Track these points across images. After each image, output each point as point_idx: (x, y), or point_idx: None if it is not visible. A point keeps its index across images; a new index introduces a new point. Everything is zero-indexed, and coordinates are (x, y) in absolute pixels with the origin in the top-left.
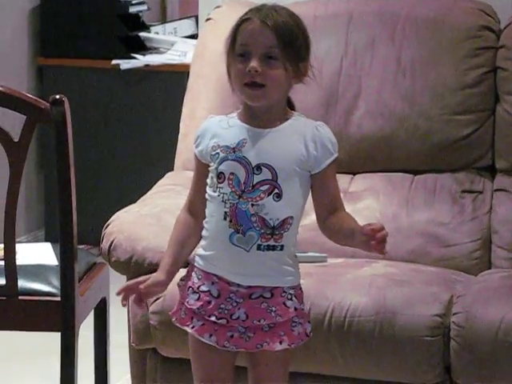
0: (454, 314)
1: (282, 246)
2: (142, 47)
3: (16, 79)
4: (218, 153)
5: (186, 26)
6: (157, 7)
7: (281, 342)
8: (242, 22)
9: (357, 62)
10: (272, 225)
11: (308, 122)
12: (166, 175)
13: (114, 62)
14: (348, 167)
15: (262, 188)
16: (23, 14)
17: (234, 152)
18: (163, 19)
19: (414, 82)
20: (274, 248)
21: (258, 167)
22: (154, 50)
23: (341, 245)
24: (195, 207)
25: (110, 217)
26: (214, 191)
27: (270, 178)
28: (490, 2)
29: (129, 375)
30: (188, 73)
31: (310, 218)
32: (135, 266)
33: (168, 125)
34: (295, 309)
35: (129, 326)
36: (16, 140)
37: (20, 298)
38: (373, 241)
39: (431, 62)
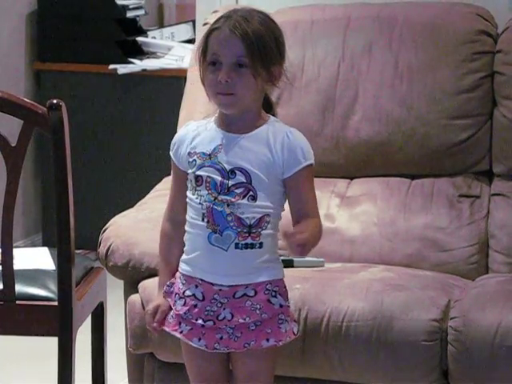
0: (451, 319)
1: (261, 244)
2: (140, 52)
3: (13, 84)
4: (195, 160)
5: (183, 30)
6: (154, 12)
7: (268, 340)
8: (211, 31)
9: (354, 66)
10: (248, 223)
11: (281, 127)
12: (164, 180)
13: (111, 66)
14: (345, 172)
15: (236, 191)
16: (20, 19)
17: (210, 158)
18: (160, 24)
19: (412, 86)
20: (252, 246)
21: (233, 171)
22: (152, 55)
23: None
24: (176, 214)
25: (108, 221)
26: (193, 194)
27: (245, 181)
28: (488, 7)
29: (126, 380)
30: (185, 77)
31: None
32: (132, 271)
33: (165, 129)
34: (280, 306)
35: (126, 331)
36: (13, 145)
37: (17, 302)
38: (292, 244)
39: (428, 66)
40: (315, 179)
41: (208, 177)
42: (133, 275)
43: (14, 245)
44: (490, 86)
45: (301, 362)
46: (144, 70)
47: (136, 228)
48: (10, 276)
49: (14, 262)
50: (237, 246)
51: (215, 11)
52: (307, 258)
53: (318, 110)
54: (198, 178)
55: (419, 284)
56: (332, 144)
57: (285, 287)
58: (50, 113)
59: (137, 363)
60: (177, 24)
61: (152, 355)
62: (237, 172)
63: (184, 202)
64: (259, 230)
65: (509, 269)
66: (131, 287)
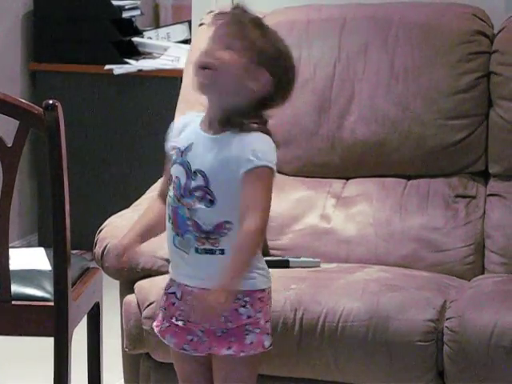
0: (447, 319)
1: (223, 250)
2: (135, 52)
3: (9, 84)
4: (173, 154)
5: (179, 31)
6: (150, 12)
7: (229, 348)
8: (216, 15)
9: (350, 67)
10: (205, 229)
11: (252, 132)
12: (159, 180)
13: (107, 67)
14: (341, 172)
15: (196, 194)
16: (16, 19)
17: (182, 156)
18: (156, 24)
19: (407, 86)
20: (212, 252)
21: (195, 173)
22: (147, 55)
23: None
24: (164, 194)
25: (103, 222)
26: (168, 193)
27: (203, 184)
28: (484, 7)
29: (122, 380)
30: (181, 78)
31: (304, 223)
32: (128, 271)
33: (161, 130)
34: (248, 317)
35: (122, 331)
36: (9, 145)
37: (13, 302)
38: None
39: (424, 66)
40: (311, 179)
41: (176, 177)
42: (128, 275)
43: (10, 245)
44: (486, 87)
45: (296, 362)
46: (140, 71)
47: None
48: (6, 276)
49: (10, 262)
50: (196, 250)
51: (211, 11)
52: (303, 259)
53: (314, 111)
54: (171, 177)
55: (415, 284)
56: (328, 144)
57: (260, 299)
58: (45, 113)
59: (133, 363)
60: (173, 24)
61: (148, 355)
62: (198, 174)
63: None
64: (217, 236)
65: (505, 269)
66: (127, 288)
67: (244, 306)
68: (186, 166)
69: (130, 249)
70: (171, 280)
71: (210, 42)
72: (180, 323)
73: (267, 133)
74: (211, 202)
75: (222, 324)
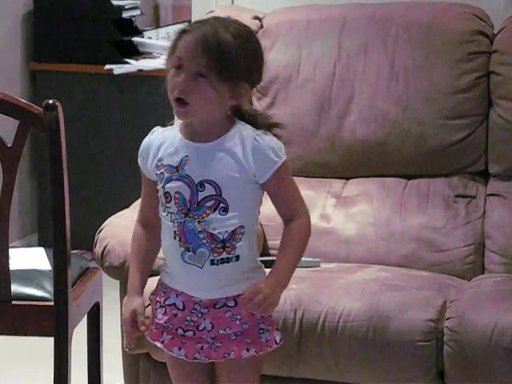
0: (447, 319)
1: (238, 257)
2: (135, 52)
3: (9, 84)
4: (162, 172)
5: None
6: (150, 12)
7: (248, 350)
8: (182, 32)
9: (350, 66)
10: (222, 238)
11: (248, 133)
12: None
13: (107, 66)
14: (341, 172)
15: (207, 204)
16: (16, 19)
17: (178, 171)
18: (156, 24)
19: (407, 86)
20: (228, 260)
21: (201, 184)
22: (148, 55)
23: None
24: (147, 219)
25: (103, 222)
26: (164, 211)
27: (214, 193)
28: (484, 7)
29: (122, 380)
30: None
31: None
32: (128, 271)
33: None
34: (262, 316)
35: (122, 331)
36: (9, 145)
37: (13, 302)
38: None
39: (424, 66)
40: (311, 179)
41: (176, 192)
42: (128, 275)
43: (10, 245)
44: (486, 86)
45: (296, 362)
46: (140, 71)
47: (132, 228)
48: (6, 276)
49: (10, 262)
50: (212, 262)
51: (211, 11)
52: (303, 259)
53: (314, 110)
54: (166, 195)
55: (415, 284)
56: (328, 144)
57: None
58: (45, 113)
59: (132, 363)
60: (173, 24)
61: (148, 355)
62: (206, 185)
63: (154, 207)
64: (233, 243)
65: (505, 269)
66: (127, 287)
67: None
68: (186, 179)
69: (140, 311)
70: (168, 291)
71: (185, 67)
72: (189, 333)
73: (264, 123)
74: (225, 210)
75: (238, 327)
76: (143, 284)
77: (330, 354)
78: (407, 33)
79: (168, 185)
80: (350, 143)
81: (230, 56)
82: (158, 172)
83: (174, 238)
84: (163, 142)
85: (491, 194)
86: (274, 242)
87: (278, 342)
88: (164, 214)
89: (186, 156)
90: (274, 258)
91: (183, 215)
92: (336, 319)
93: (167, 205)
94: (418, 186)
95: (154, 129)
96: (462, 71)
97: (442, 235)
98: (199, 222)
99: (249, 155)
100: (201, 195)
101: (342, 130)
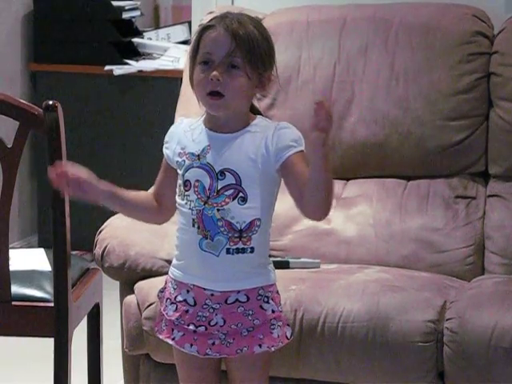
0: (447, 320)
1: (253, 249)
2: (135, 53)
3: (9, 85)
4: (184, 160)
5: (179, 31)
6: (150, 13)
7: (260, 345)
8: (205, 29)
9: (350, 67)
10: (239, 228)
11: (270, 124)
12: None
13: (107, 67)
14: (341, 173)
15: (226, 193)
16: (16, 20)
17: (199, 159)
18: (156, 25)
19: (407, 87)
20: (243, 251)
21: (222, 172)
22: (147, 56)
23: (321, 197)
24: (159, 198)
25: (103, 222)
26: (182, 199)
27: (234, 182)
28: (484, 8)
29: (122, 381)
30: (181, 78)
31: (303, 224)
32: (128, 272)
33: (161, 130)
34: (272, 311)
35: (122, 332)
36: (9, 146)
37: (13, 303)
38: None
39: (424, 67)
40: None
41: (196, 180)
42: (129, 276)
43: (10, 246)
44: (486, 87)
45: (296, 363)
46: (140, 72)
47: (132, 229)
48: (6, 277)
49: (10, 262)
50: (228, 251)
51: (211, 12)
52: (303, 259)
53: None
54: (186, 183)
55: (415, 285)
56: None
57: (277, 292)
58: (45, 114)
59: (133, 364)
60: (173, 25)
61: (148, 356)
62: (226, 173)
63: (168, 193)
64: (250, 234)
65: (505, 270)
66: (127, 288)
67: (267, 302)
68: (207, 167)
69: (79, 174)
70: (179, 286)
71: (216, 61)
72: (201, 329)
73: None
74: (244, 200)
75: (249, 322)
76: (114, 189)
77: (330, 355)
78: (407, 34)
79: (188, 172)
80: (350, 144)
81: (258, 45)
82: (180, 159)
83: (193, 225)
84: (188, 130)
85: (491, 195)
86: (275, 242)
87: (288, 337)
88: (183, 202)
89: (208, 145)
90: (281, 258)
91: (202, 203)
92: (336, 320)
93: (186, 193)
94: (418, 186)
95: (181, 119)
96: (462, 72)
97: (442, 236)
98: (218, 210)
99: (269, 143)
100: (221, 183)
101: (342, 131)
